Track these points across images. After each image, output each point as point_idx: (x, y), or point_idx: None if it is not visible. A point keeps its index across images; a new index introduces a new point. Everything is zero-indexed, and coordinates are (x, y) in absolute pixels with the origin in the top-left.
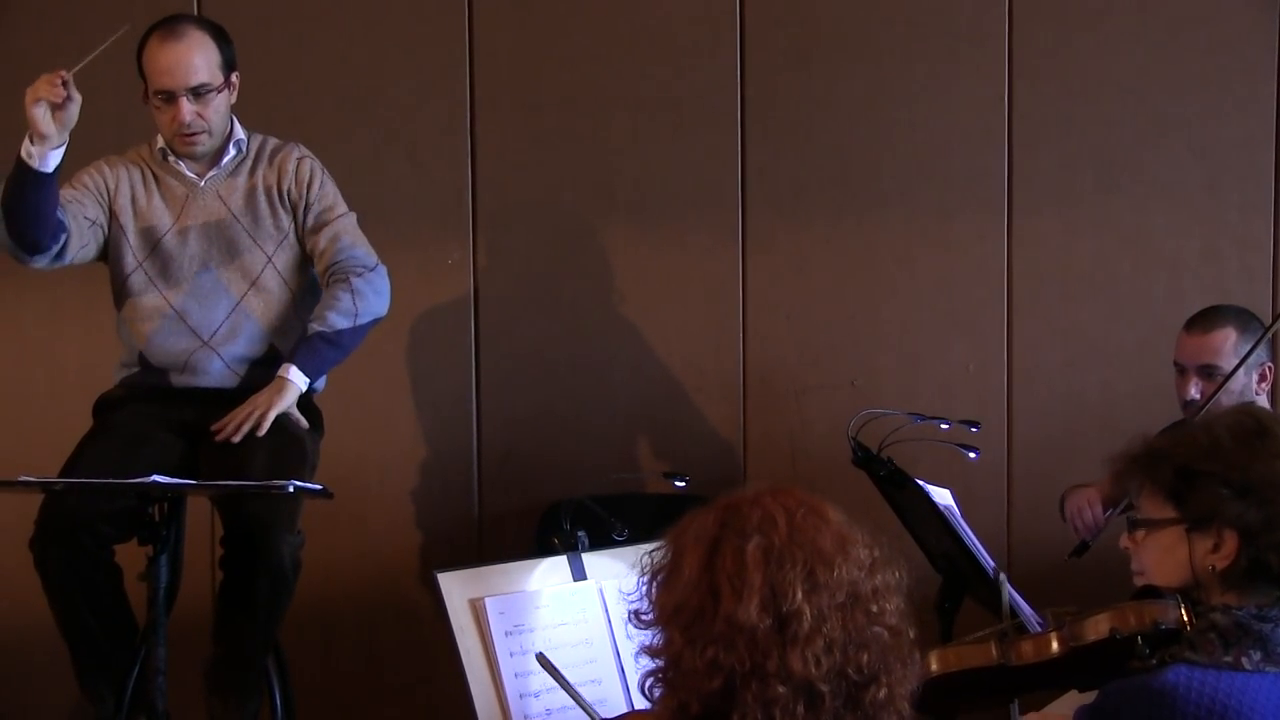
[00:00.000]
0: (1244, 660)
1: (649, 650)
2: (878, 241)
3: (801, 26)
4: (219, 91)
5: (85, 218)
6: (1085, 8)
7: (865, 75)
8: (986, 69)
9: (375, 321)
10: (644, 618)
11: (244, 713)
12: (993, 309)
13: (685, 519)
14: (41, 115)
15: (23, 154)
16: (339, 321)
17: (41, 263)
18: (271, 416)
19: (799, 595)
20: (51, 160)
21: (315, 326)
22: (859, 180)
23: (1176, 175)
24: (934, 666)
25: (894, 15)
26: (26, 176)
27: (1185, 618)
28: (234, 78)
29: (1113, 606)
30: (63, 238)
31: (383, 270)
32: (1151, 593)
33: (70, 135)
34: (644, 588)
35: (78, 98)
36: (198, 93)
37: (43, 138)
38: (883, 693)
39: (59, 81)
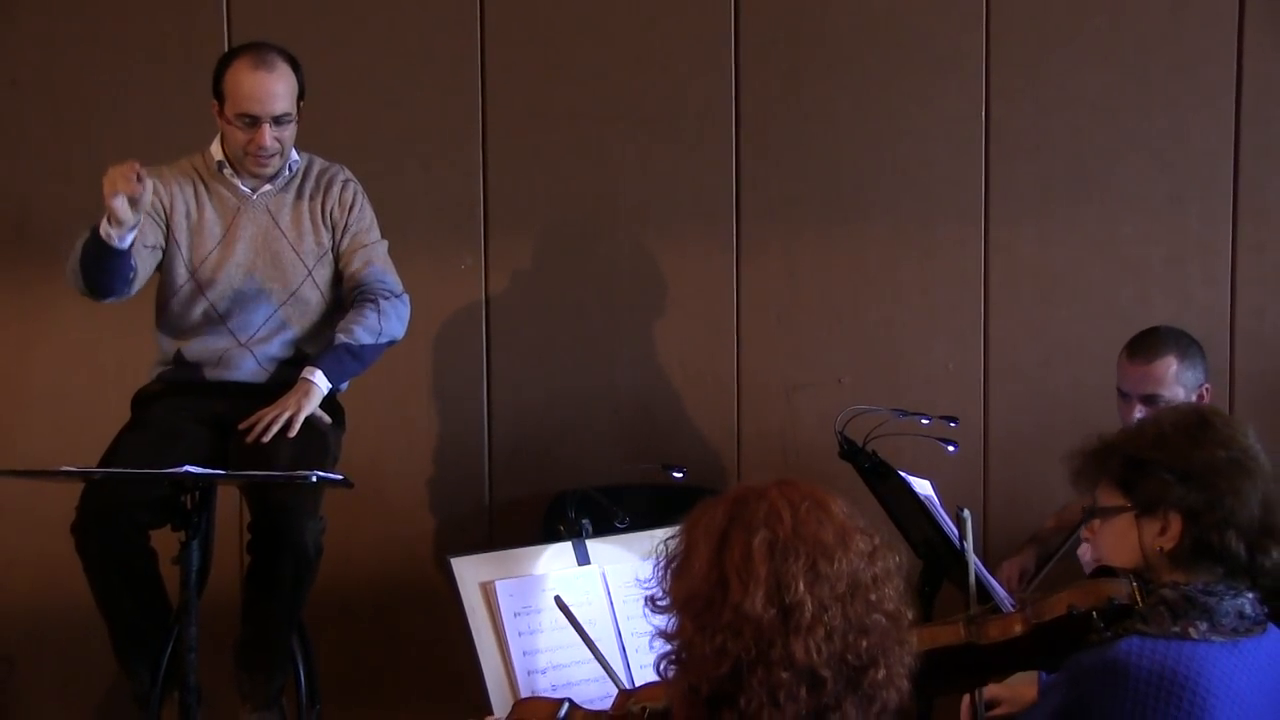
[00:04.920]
0: (1191, 630)
1: (663, 635)
2: (864, 248)
3: (793, 48)
4: (295, 120)
5: (146, 246)
6: (1058, 31)
7: (852, 93)
8: (966, 88)
9: (392, 343)
10: (659, 604)
11: (270, 688)
12: (971, 311)
13: (698, 509)
14: (121, 206)
15: (100, 233)
16: (364, 337)
17: (111, 300)
18: (301, 419)
19: (801, 587)
20: (129, 238)
21: (342, 338)
22: (846, 191)
23: (1143, 187)
24: None
25: (880, 38)
26: (106, 252)
27: (1136, 593)
28: (301, 106)
29: (1070, 586)
30: (132, 278)
31: (406, 299)
32: (1107, 573)
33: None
34: (659, 575)
35: (150, 184)
36: (279, 121)
37: (121, 224)
38: (881, 674)
39: (134, 177)
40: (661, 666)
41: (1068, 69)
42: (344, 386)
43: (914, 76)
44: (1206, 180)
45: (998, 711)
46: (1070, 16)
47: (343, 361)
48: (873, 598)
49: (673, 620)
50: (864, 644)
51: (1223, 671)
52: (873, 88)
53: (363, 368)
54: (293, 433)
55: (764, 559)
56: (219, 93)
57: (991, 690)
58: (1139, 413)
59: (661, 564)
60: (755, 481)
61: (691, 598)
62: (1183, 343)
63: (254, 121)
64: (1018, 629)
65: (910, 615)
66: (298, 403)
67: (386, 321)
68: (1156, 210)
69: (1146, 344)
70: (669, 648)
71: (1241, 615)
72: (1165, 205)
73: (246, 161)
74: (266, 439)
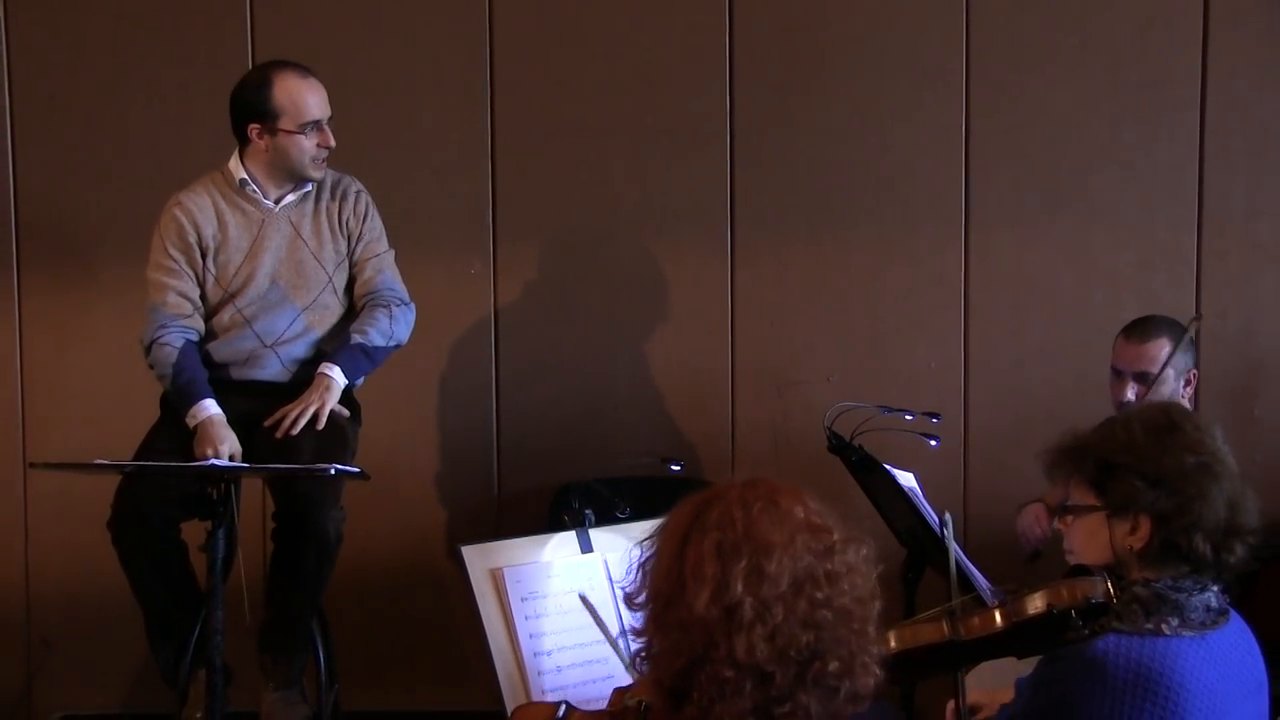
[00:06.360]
0: (1164, 626)
1: (634, 631)
2: (851, 254)
3: (784, 65)
4: None
5: (194, 298)
6: (1033, 50)
7: (840, 108)
8: (947, 102)
9: (398, 347)
10: (634, 601)
11: (292, 668)
12: (952, 314)
13: (673, 510)
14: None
15: (187, 419)
16: (377, 339)
17: None
18: (326, 413)
19: (740, 588)
20: None
21: (357, 339)
22: (834, 200)
23: (1114, 197)
24: (892, 644)
25: (866, 55)
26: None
27: (1111, 591)
28: None
29: (1049, 584)
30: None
31: (413, 307)
32: (1082, 571)
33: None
34: (634, 574)
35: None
36: (329, 122)
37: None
38: (833, 665)
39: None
40: (637, 661)
41: (1043, 85)
42: (360, 382)
43: (898, 92)
44: (1173, 190)
45: (979, 717)
46: (1045, 36)
47: (357, 360)
48: (820, 595)
49: (641, 616)
50: (806, 640)
51: (1194, 665)
52: (859, 102)
53: (373, 367)
54: (320, 425)
55: (713, 560)
56: (268, 112)
57: (972, 696)
58: (1130, 389)
59: (636, 563)
60: (725, 481)
61: (655, 596)
62: (1176, 330)
63: (316, 125)
64: (998, 625)
65: (877, 605)
66: (320, 398)
67: (397, 326)
68: (1126, 219)
69: (1143, 326)
70: (640, 643)
71: (1208, 608)
72: (1135, 214)
73: (311, 166)
74: (295, 432)
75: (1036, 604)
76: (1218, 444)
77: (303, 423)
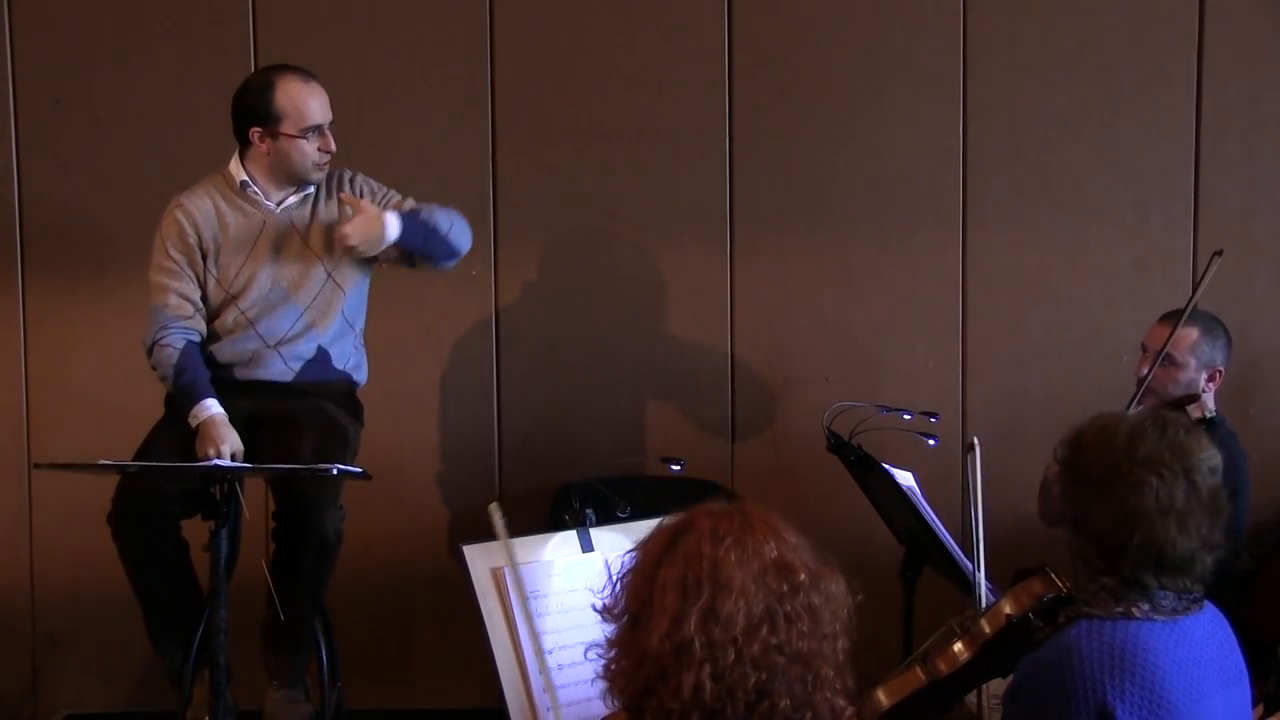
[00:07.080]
0: (1134, 610)
1: (603, 643)
2: (849, 254)
3: (782, 66)
4: None
5: (196, 299)
6: (1030, 52)
7: (838, 108)
8: (944, 104)
9: (453, 251)
10: (611, 613)
11: (295, 666)
12: (949, 313)
13: (655, 530)
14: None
15: (189, 419)
16: (442, 221)
17: None
18: (367, 247)
19: (692, 626)
20: None
21: (423, 215)
22: (833, 200)
23: (1109, 197)
24: (884, 701)
25: (863, 56)
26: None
27: (1058, 581)
28: None
29: (1002, 595)
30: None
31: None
32: (1026, 573)
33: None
34: (610, 587)
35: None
36: (331, 126)
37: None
38: (784, 703)
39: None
40: (599, 670)
41: (1039, 88)
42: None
43: (896, 94)
44: (1168, 191)
45: None
46: (1041, 39)
47: (417, 225)
48: (775, 640)
49: (613, 630)
50: (755, 680)
51: (1167, 646)
52: (857, 105)
53: (423, 244)
54: (353, 240)
55: (676, 594)
56: (270, 116)
57: None
58: (1146, 365)
59: (614, 578)
60: (704, 507)
61: (625, 614)
62: (1211, 324)
63: (318, 130)
64: (966, 654)
65: (842, 642)
66: (370, 232)
67: (458, 224)
68: (1122, 219)
69: (1178, 311)
70: (607, 653)
71: (1179, 596)
72: (1130, 214)
73: (312, 170)
74: (351, 242)
75: (995, 619)
76: (1145, 470)
77: (354, 235)
